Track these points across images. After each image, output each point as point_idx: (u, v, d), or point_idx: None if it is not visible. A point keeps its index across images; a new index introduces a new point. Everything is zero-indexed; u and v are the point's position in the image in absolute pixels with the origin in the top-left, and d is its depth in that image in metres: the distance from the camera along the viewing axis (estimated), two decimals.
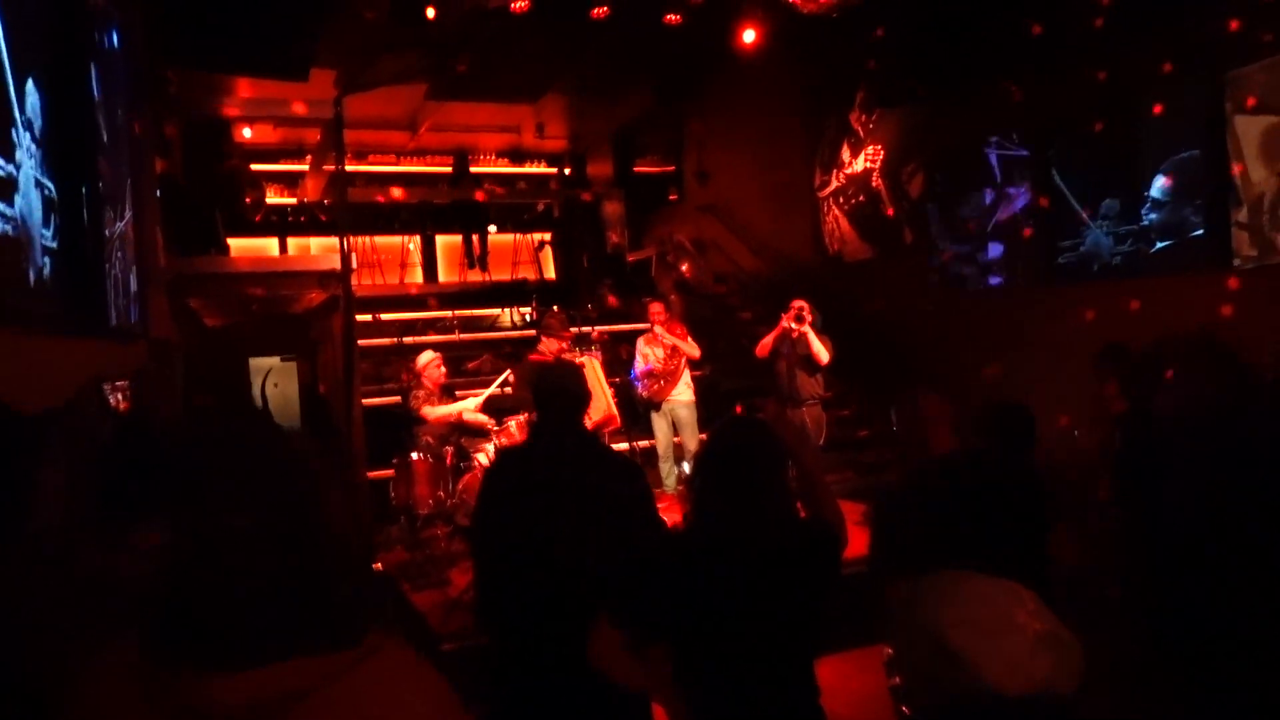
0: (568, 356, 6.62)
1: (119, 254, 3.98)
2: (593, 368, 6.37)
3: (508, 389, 6.40)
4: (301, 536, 1.01)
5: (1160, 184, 6.04)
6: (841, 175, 9.22)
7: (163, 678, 0.97)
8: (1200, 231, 5.83)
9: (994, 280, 7.43)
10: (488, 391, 6.55)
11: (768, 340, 6.60)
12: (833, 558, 2.25)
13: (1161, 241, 6.07)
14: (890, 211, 8.57)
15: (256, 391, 8.71)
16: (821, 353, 6.42)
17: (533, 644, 2.64)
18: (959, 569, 1.27)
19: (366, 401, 7.31)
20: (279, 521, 1.01)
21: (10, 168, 2.49)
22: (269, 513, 1.01)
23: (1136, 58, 6.03)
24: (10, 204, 2.47)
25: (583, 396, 2.91)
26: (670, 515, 6.57)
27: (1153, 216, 6.11)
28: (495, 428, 6.42)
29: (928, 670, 1.18)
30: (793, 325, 6.42)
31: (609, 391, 6.55)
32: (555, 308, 7.56)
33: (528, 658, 2.65)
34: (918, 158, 8.20)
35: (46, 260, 2.83)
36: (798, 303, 6.58)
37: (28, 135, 2.68)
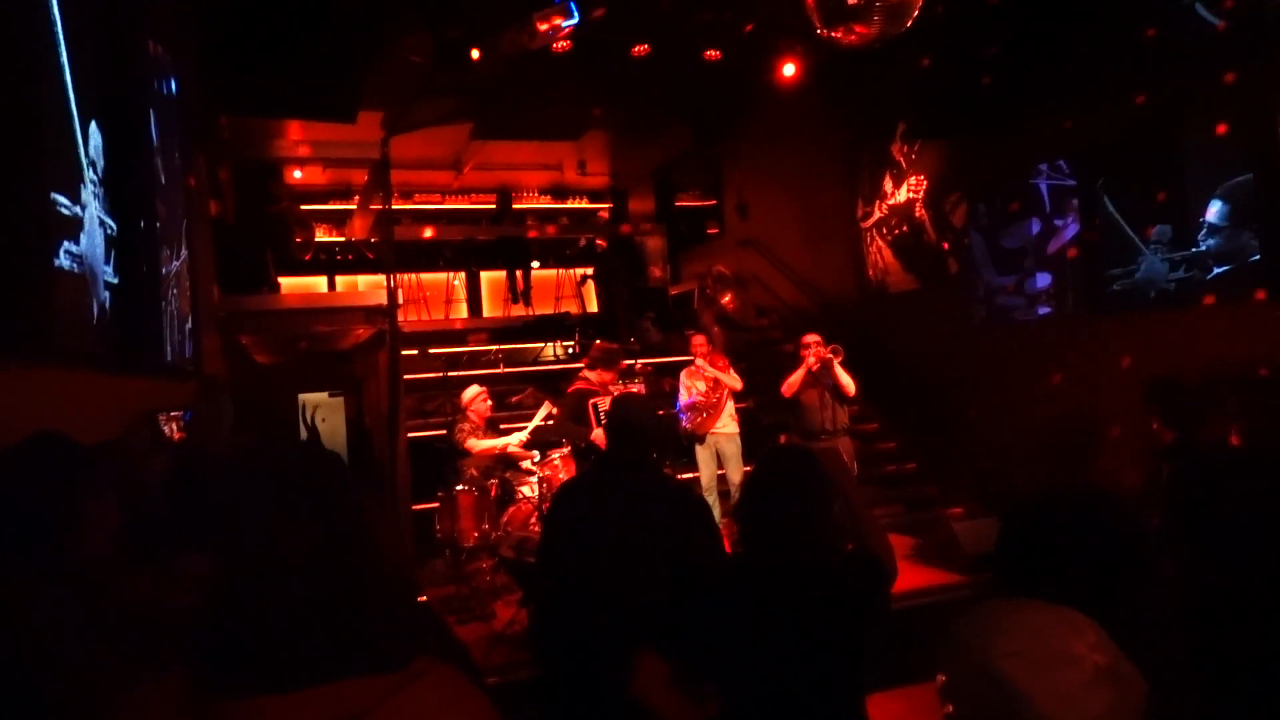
0: (615, 388, 6.62)
1: (174, 291, 4.08)
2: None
3: (551, 421, 6.41)
4: (347, 561, 1.02)
5: (1217, 209, 5.91)
6: (884, 206, 9.17)
7: (212, 704, 0.98)
8: (1257, 256, 5.68)
9: (1042, 310, 7.30)
10: (532, 424, 6.57)
11: (795, 380, 6.57)
12: (881, 592, 2.21)
13: (1219, 267, 5.93)
14: (933, 240, 8.49)
15: (304, 426, 8.83)
16: (849, 384, 6.39)
17: (588, 678, 2.62)
18: (1015, 597, 1.26)
19: (411, 435, 7.36)
20: (326, 546, 1.02)
21: (77, 208, 2.58)
22: (315, 538, 1.02)
23: (1186, 82, 5.93)
24: (77, 242, 2.55)
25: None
26: None
27: (1210, 242, 5.97)
28: (538, 461, 6.43)
29: (978, 701, 1.17)
30: (830, 356, 6.41)
31: None
32: (599, 341, 7.57)
33: (581, 691, 2.64)
34: (961, 187, 8.13)
35: (107, 295, 2.92)
36: (811, 337, 6.60)
37: (92, 175, 2.77)
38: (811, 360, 6.47)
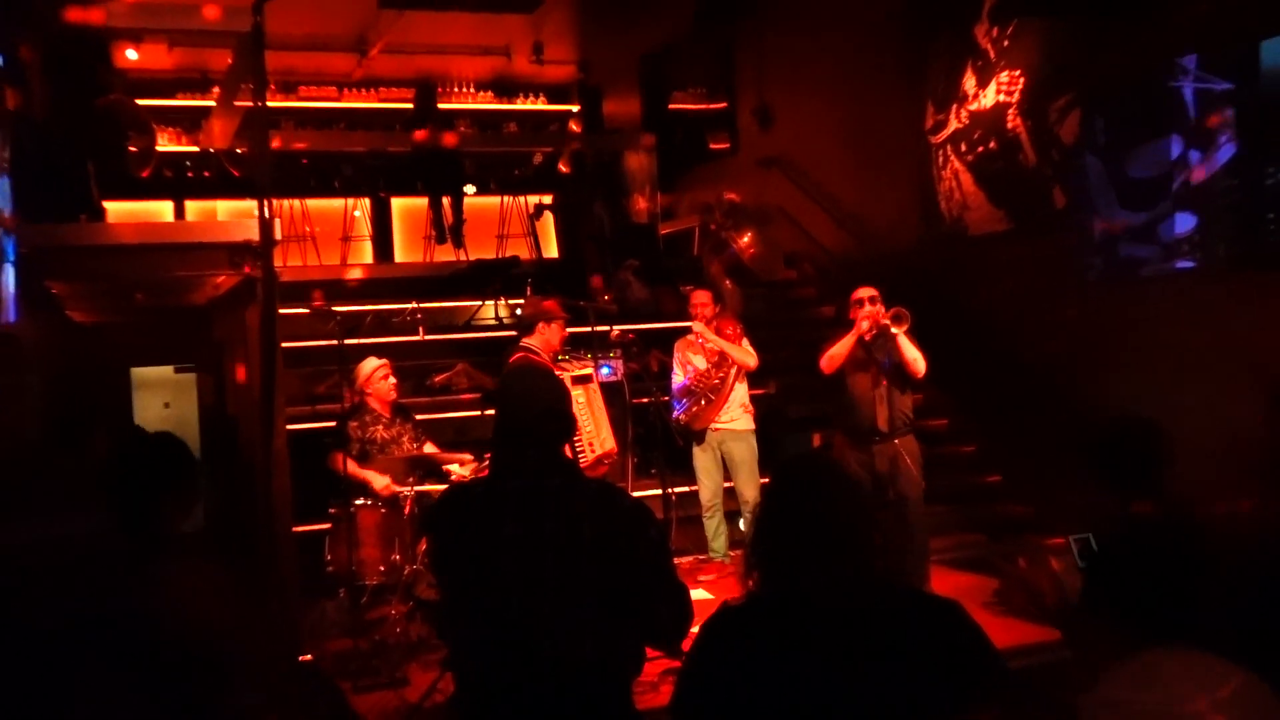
0: (573, 363, 6.67)
1: None
2: (592, 390, 6.60)
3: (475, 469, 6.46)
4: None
5: None
6: (963, 113, 9.15)
7: None
8: None
9: (1182, 264, 7.31)
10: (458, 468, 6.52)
11: (839, 350, 6.54)
12: (984, 649, 2.24)
13: None
14: (1031, 162, 8.47)
15: (142, 414, 8.73)
16: (919, 360, 6.36)
17: None
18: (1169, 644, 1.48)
19: (294, 427, 7.28)
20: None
21: None
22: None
23: None
24: None
25: (567, 412, 2.97)
26: (718, 589, 6.61)
27: None
28: (465, 466, 6.43)
29: None
30: (891, 327, 6.36)
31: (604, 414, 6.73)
32: (530, 292, 7.57)
33: None
34: (1073, 89, 8.10)
35: None
36: (865, 291, 6.59)
37: None
38: (865, 324, 6.42)
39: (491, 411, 6.70)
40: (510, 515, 2.78)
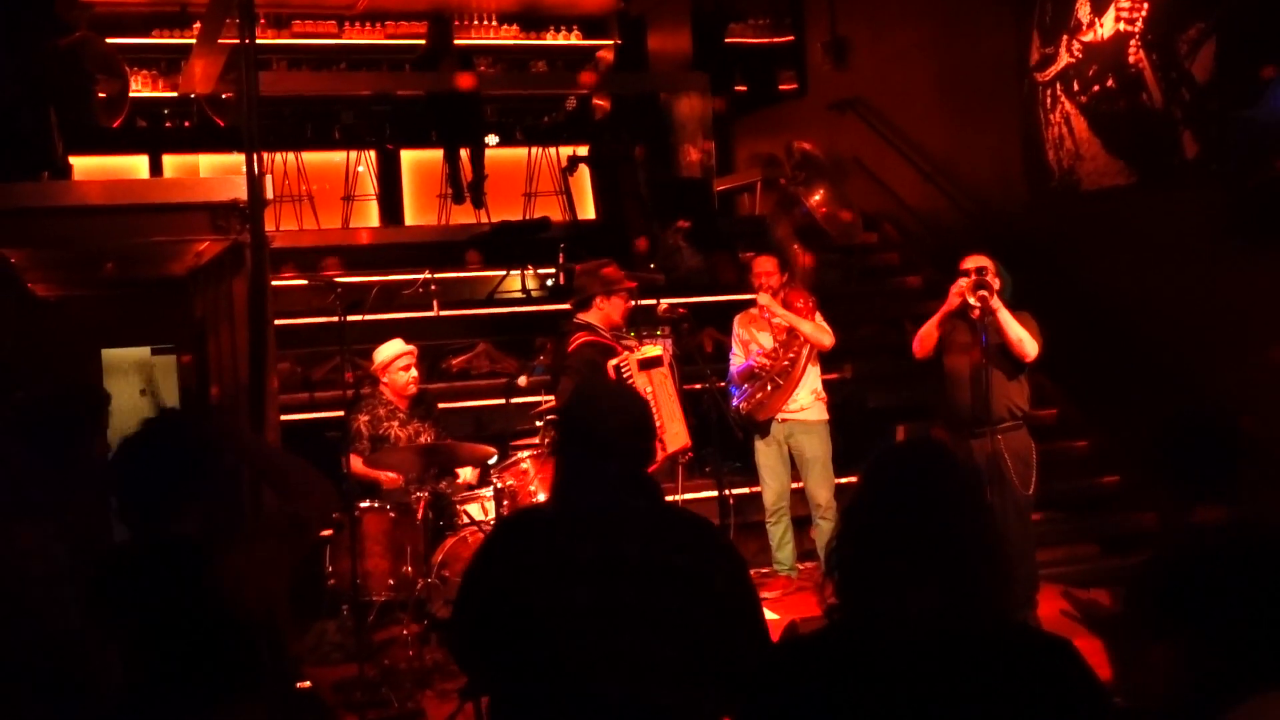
0: (632, 341, 6.65)
1: None
2: (661, 375, 6.51)
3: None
4: None
5: None
6: (1075, 45, 9.09)
7: None
8: None
9: None
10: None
11: (927, 329, 6.52)
12: (1095, 705, 2.17)
13: None
14: (1159, 103, 8.35)
15: (115, 401, 8.76)
16: (1025, 341, 6.27)
17: None
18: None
19: (288, 418, 7.34)
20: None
21: None
22: None
23: None
24: None
25: (651, 432, 3.03)
26: (783, 608, 6.58)
27: None
28: (494, 464, 6.43)
29: None
30: (972, 301, 6.26)
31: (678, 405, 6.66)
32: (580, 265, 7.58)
33: None
34: (1207, 16, 7.97)
35: None
36: (975, 260, 6.45)
37: None
38: (958, 298, 6.31)
39: (519, 400, 6.79)
40: (587, 537, 2.83)
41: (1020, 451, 6.41)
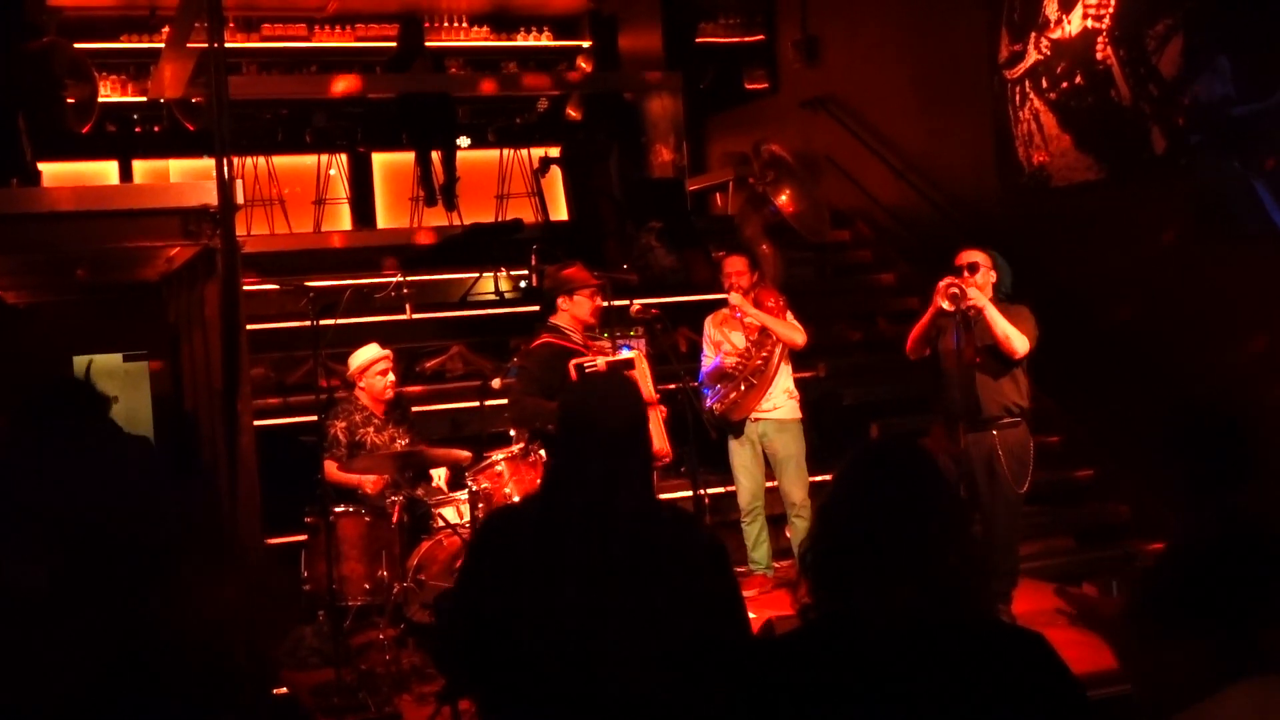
0: (603, 343, 6.65)
1: None
2: (641, 369, 6.49)
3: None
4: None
5: None
6: (1044, 42, 9.12)
7: None
8: None
9: None
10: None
11: (917, 329, 6.58)
12: (1068, 699, 2.20)
13: None
14: (1126, 98, 8.41)
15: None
16: (1014, 337, 6.29)
17: None
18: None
19: (261, 423, 7.31)
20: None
21: None
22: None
23: None
24: None
25: (644, 428, 3.00)
26: (759, 607, 6.59)
27: None
28: (470, 467, 6.44)
29: None
30: (945, 306, 6.28)
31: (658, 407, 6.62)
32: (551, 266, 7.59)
33: None
34: (1174, 11, 8.03)
35: None
36: (969, 256, 6.49)
37: None
38: (940, 300, 6.33)
39: (492, 402, 6.78)
40: (574, 535, 2.81)
41: (1016, 448, 6.41)
